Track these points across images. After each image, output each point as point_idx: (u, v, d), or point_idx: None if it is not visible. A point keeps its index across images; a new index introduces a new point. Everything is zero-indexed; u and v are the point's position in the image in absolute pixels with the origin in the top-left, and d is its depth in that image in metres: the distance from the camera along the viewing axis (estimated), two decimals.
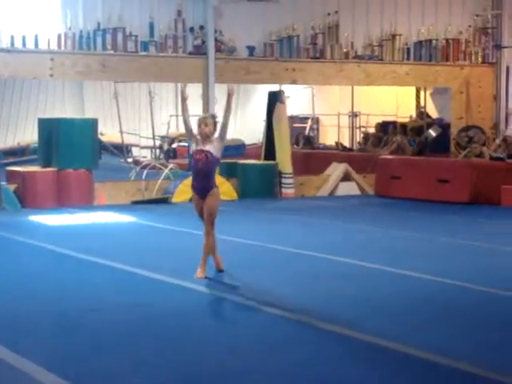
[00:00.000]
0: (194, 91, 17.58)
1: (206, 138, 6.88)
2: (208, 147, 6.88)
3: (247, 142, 20.84)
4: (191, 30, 14.53)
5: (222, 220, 11.26)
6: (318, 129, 21.74)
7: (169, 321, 5.66)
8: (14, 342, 5.02)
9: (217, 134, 6.95)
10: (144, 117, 21.91)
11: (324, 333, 5.35)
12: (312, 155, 18.10)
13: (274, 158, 14.84)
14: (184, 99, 7.00)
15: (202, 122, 6.87)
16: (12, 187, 12.71)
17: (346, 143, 19.84)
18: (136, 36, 13.99)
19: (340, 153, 18.06)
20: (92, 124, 13.52)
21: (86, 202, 12.88)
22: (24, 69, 13.23)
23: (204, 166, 6.88)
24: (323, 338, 5.25)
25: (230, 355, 4.81)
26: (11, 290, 6.69)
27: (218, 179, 14.04)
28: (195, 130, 7.07)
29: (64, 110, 22.61)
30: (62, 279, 7.10)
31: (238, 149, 19.33)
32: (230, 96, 6.97)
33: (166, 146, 22.00)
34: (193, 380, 4.39)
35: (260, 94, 20.96)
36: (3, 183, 12.74)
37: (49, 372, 4.43)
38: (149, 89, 18.68)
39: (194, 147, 6.95)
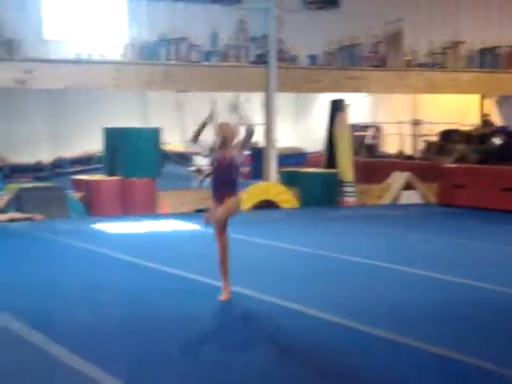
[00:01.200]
0: (256, 100, 17.72)
1: (225, 143, 6.54)
2: (229, 152, 6.53)
3: (309, 150, 20.85)
4: (253, 39, 14.64)
5: (283, 228, 11.33)
6: (379, 137, 21.63)
7: (235, 325, 5.75)
8: (86, 348, 5.15)
9: (236, 147, 6.60)
10: (207, 125, 22.07)
11: (392, 343, 5.36)
12: (373, 164, 18.01)
13: (335, 167, 14.83)
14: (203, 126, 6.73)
15: (222, 128, 6.57)
16: (78, 196, 12.98)
17: (408, 152, 19.69)
18: (199, 46, 14.17)
19: (402, 161, 17.93)
20: (156, 133, 13.73)
21: (150, 211, 13.07)
22: (90, 80, 13.51)
23: (226, 171, 6.51)
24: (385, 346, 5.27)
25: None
26: (76, 296, 6.85)
27: (280, 188, 14.20)
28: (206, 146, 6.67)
29: (128, 119, 22.97)
30: (125, 286, 7.23)
31: (299, 157, 19.35)
32: (248, 136, 6.61)
33: None
34: None
35: (321, 102, 20.96)
36: (69, 192, 13.02)
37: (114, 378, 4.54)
38: (211, 98, 18.87)
39: (213, 156, 6.58)
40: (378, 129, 21.45)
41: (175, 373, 4.71)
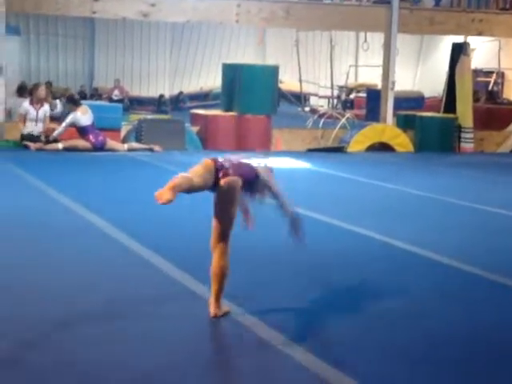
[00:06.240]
0: (376, 41, 17.42)
1: None
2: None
3: (427, 94, 20.44)
4: None
5: (396, 172, 11.27)
6: (502, 83, 20.91)
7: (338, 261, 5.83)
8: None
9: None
10: (324, 66, 21.98)
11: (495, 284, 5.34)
12: (495, 110, 17.49)
13: (454, 112, 14.50)
14: None
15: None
16: (195, 129, 13.25)
17: None
18: None
19: None
20: (273, 71, 13.76)
21: (264, 147, 13.19)
22: (211, 14, 13.62)
23: None
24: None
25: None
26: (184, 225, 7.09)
27: (396, 131, 14.03)
28: None
29: (246, 56, 23.08)
30: None
31: (416, 101, 19.01)
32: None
33: (343, 96, 22.01)
34: None
35: (444, 45, 20.42)
36: (187, 125, 13.29)
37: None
38: (330, 38, 18.68)
39: None
40: (501, 75, 20.74)
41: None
